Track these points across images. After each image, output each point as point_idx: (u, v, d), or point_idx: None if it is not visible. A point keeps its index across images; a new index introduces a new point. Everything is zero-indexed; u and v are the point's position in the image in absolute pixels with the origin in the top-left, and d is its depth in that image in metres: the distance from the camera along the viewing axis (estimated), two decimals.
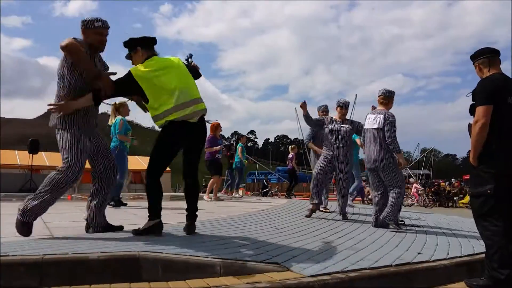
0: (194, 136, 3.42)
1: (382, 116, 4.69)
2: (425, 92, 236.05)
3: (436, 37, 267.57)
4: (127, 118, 6.51)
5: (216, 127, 8.54)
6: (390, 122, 4.63)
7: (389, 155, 4.66)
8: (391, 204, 4.59)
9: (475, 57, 3.12)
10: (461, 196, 19.46)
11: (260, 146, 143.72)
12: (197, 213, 3.57)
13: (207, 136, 8.29)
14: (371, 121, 4.79)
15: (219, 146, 8.44)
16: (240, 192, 11.68)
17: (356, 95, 29.85)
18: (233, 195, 10.21)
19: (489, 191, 2.80)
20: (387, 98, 4.85)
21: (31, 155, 12.51)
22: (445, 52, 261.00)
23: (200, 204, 4.81)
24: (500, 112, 2.82)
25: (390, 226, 4.55)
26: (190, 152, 3.52)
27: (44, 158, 18.98)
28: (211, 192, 8.63)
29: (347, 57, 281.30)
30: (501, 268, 2.72)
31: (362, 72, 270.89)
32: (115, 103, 6.25)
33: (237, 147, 10.33)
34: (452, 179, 31.63)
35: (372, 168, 4.78)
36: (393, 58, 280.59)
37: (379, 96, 4.89)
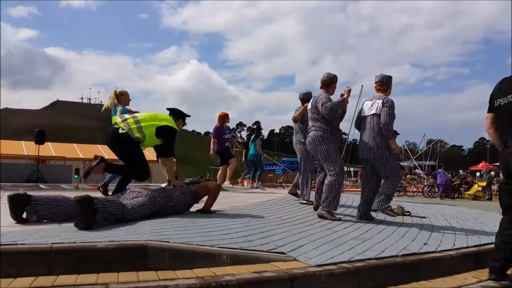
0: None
1: (380, 101, 4.39)
2: (433, 82, 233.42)
3: (445, 26, 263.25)
4: (129, 107, 6.35)
5: (224, 117, 8.47)
6: (387, 106, 4.32)
7: (386, 145, 4.36)
8: (385, 193, 4.38)
9: None
10: (467, 187, 19.41)
11: (265, 137, 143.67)
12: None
13: (214, 126, 8.32)
14: (368, 108, 4.50)
15: (226, 135, 8.41)
16: (245, 183, 11.73)
17: (362, 85, 29.54)
18: (255, 186, 10.25)
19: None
20: (384, 84, 4.55)
21: (37, 145, 12.56)
22: (453, 42, 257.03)
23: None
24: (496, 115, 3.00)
25: (388, 212, 4.40)
26: None
27: (50, 149, 19.16)
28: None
29: (355, 47, 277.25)
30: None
31: (370, 62, 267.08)
32: (115, 90, 6.14)
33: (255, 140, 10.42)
34: (460, 171, 31.61)
35: (366, 159, 4.48)
36: (401, 48, 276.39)
37: (375, 82, 4.59)
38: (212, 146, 8.35)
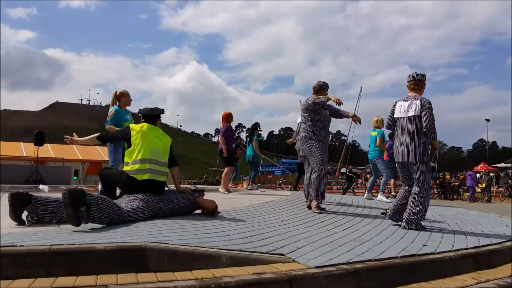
0: None
1: (418, 102, 4.15)
2: (431, 83, 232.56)
3: (443, 27, 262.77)
4: (129, 108, 6.13)
5: (231, 116, 8.36)
6: (428, 108, 4.09)
7: (425, 148, 4.16)
8: (415, 213, 4.14)
9: None
10: (465, 188, 19.42)
11: (265, 139, 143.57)
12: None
13: (223, 127, 8.18)
14: (405, 109, 4.24)
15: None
16: (245, 184, 11.73)
17: (361, 87, 29.74)
18: (250, 187, 10.26)
19: None
20: (418, 82, 4.32)
21: (36, 147, 12.56)
22: (452, 42, 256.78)
23: (215, 196, 5.06)
24: None
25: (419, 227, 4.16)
26: None
27: (49, 150, 19.15)
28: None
29: (354, 48, 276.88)
30: None
31: (368, 63, 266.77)
32: (116, 91, 5.90)
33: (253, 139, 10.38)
34: (463, 172, 31.57)
35: (405, 162, 4.25)
36: (400, 49, 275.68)
37: (408, 81, 4.35)
38: (224, 146, 8.05)
